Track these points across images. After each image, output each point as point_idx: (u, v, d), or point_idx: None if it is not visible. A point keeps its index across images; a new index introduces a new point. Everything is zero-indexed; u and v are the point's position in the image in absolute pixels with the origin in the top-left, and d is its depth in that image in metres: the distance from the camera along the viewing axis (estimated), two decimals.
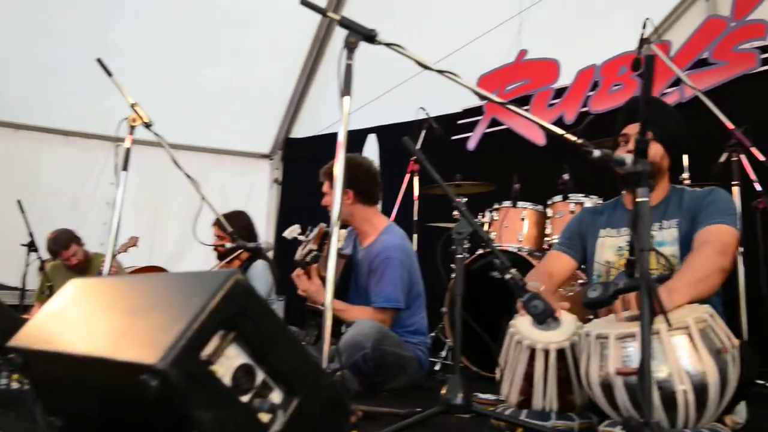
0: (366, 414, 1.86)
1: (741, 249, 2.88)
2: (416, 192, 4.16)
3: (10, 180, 5.30)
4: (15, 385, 2.05)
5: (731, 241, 1.97)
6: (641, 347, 1.31)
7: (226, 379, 1.12)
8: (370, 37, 1.79)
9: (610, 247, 2.22)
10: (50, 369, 1.34)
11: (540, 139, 4.61)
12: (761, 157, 2.79)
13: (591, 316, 2.34)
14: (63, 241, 4.29)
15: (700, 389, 1.55)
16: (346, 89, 1.78)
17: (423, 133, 4.14)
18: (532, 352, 1.81)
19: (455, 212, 3.81)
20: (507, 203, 3.54)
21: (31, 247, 4.24)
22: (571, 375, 1.81)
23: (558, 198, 3.40)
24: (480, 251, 3.47)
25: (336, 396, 1.26)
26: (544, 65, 4.77)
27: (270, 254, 3.66)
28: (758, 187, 2.91)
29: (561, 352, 1.79)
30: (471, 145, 5.05)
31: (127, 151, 2.64)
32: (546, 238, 3.42)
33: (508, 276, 1.72)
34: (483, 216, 3.67)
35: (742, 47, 3.87)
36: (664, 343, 1.56)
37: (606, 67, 4.47)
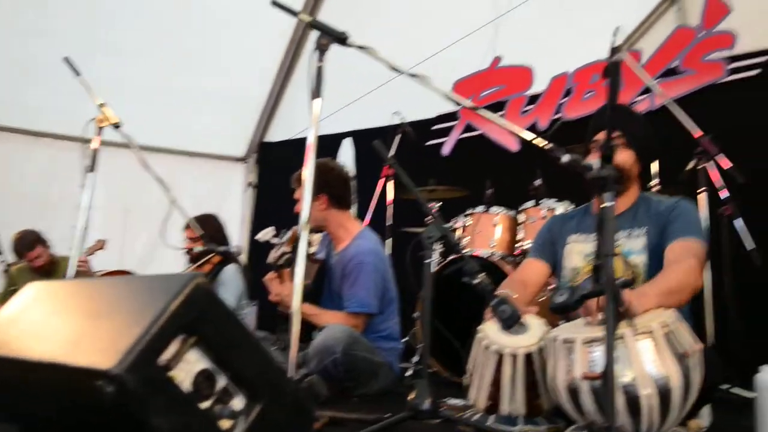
0: (333, 420, 1.85)
1: (707, 255, 2.92)
2: (390, 197, 4.15)
3: None
4: None
5: (702, 258, 2.03)
6: (605, 352, 1.31)
7: (186, 384, 1.10)
8: (342, 39, 1.78)
9: (579, 252, 2.24)
10: (6, 374, 1.30)
11: (513, 145, 4.65)
12: (727, 165, 2.84)
13: (561, 321, 2.35)
14: (28, 241, 4.20)
15: (664, 393, 1.56)
16: (316, 92, 1.78)
17: (397, 138, 4.15)
18: (500, 357, 1.81)
19: (429, 217, 3.81)
20: (480, 208, 3.55)
21: None
22: (538, 380, 1.81)
23: (530, 203, 3.43)
24: (453, 256, 3.47)
25: (300, 402, 1.24)
26: (519, 72, 4.81)
27: (241, 258, 3.62)
28: (724, 194, 2.96)
29: (528, 357, 1.80)
30: (445, 150, 5.07)
31: (95, 152, 2.59)
32: (518, 244, 3.44)
33: (476, 281, 1.73)
34: (456, 221, 3.68)
35: (710, 57, 3.95)
36: (629, 348, 1.58)
37: (579, 74, 4.52)
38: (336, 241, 2.95)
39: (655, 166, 3.44)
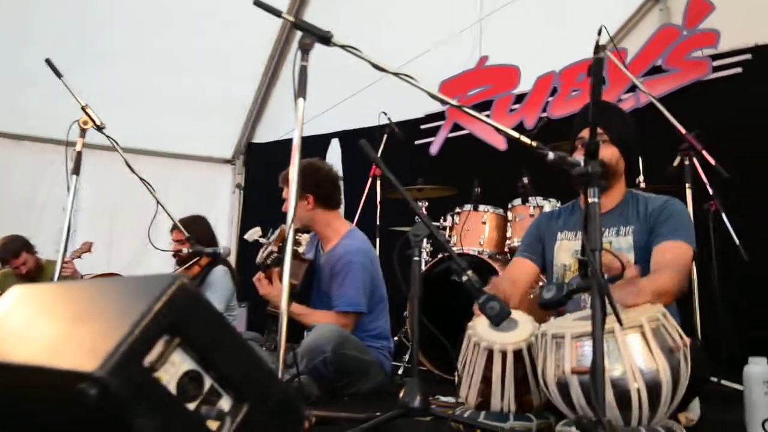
0: (323, 419, 1.83)
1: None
2: (379, 196, 4.15)
3: None
4: None
5: (690, 261, 2.06)
6: (594, 346, 1.32)
7: (171, 386, 1.09)
8: (325, 38, 1.77)
9: (567, 250, 2.25)
10: None
11: (501, 144, 4.66)
12: (712, 161, 2.86)
13: (552, 318, 2.36)
14: (13, 249, 4.16)
15: (653, 387, 1.57)
16: (300, 91, 1.77)
17: (385, 137, 4.15)
18: (490, 353, 1.81)
19: (417, 216, 3.82)
20: (468, 207, 3.56)
21: None
22: (528, 375, 1.81)
23: (518, 201, 3.44)
24: (442, 254, 3.48)
25: (287, 402, 1.23)
26: (505, 71, 4.82)
27: (230, 259, 3.60)
28: (710, 190, 2.98)
29: (518, 353, 1.80)
30: (433, 149, 5.07)
31: (78, 154, 2.56)
32: (507, 241, 3.45)
33: (464, 278, 1.72)
34: (445, 220, 3.68)
35: (694, 55, 3.98)
36: (619, 342, 1.58)
37: (564, 73, 4.54)
38: (324, 241, 2.94)
39: (641, 163, 3.47)
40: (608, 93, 4.25)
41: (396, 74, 1.85)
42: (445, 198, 4.00)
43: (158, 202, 2.64)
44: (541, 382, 1.72)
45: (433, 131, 5.12)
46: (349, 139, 5.36)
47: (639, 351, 1.58)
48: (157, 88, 5.29)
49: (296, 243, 2.86)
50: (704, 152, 2.89)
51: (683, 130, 2.92)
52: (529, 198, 3.38)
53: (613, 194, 2.21)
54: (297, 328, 2.71)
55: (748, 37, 3.90)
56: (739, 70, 3.82)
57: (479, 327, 1.87)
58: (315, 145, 5.33)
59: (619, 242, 2.15)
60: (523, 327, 1.86)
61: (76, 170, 2.54)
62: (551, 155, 1.61)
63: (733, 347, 2.78)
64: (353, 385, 2.60)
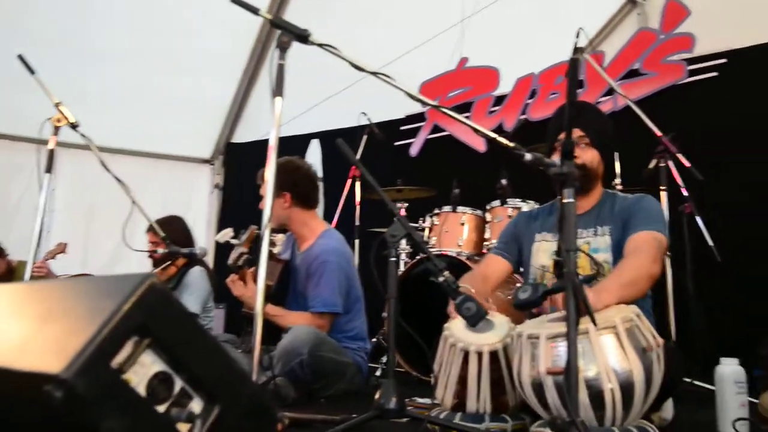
0: (298, 421, 1.82)
1: (668, 252, 2.97)
2: (358, 197, 4.14)
3: None
4: None
5: (661, 248, 2.04)
6: (568, 346, 1.32)
7: (141, 388, 1.06)
8: (303, 37, 1.76)
9: (546, 251, 2.26)
10: None
11: (481, 146, 4.68)
12: (687, 163, 2.90)
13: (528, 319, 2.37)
14: None
15: (627, 387, 1.58)
16: (278, 90, 1.75)
17: (365, 138, 4.15)
18: (466, 354, 1.81)
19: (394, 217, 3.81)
20: (447, 208, 3.56)
21: None
22: (504, 376, 1.81)
23: (496, 203, 3.45)
24: (421, 255, 3.48)
25: (260, 403, 1.22)
26: (485, 73, 4.85)
27: (206, 260, 3.56)
28: (685, 192, 3.02)
29: (494, 354, 1.80)
30: (413, 150, 5.08)
31: (51, 152, 2.52)
32: (485, 242, 3.46)
33: (441, 279, 1.72)
34: (424, 221, 3.68)
35: (671, 59, 4.03)
36: (593, 343, 1.59)
37: (544, 75, 4.58)
38: (300, 241, 2.92)
39: (618, 166, 3.50)
40: (586, 96, 4.29)
41: (374, 74, 1.84)
42: (424, 199, 4.01)
43: (133, 202, 2.60)
44: (516, 383, 1.73)
45: (414, 132, 5.13)
46: (329, 139, 5.34)
47: (613, 351, 1.59)
48: (136, 88, 5.24)
49: (271, 243, 2.83)
50: (679, 155, 2.93)
51: (659, 133, 2.95)
52: (508, 199, 3.39)
53: (592, 196, 2.23)
54: (273, 330, 2.69)
55: (724, 41, 3.96)
56: (714, 74, 3.88)
57: (455, 328, 1.88)
58: (295, 146, 5.30)
59: (597, 242, 2.16)
60: (500, 328, 1.86)
61: (49, 169, 2.49)
62: (528, 156, 1.62)
63: (706, 348, 2.82)
64: (330, 386, 2.58)
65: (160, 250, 2.84)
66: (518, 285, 3.07)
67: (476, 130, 1.83)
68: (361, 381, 2.79)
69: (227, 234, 2.73)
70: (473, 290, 2.05)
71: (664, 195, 3.03)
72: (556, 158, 2.02)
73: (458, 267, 3.27)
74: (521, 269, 2.42)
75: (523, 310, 1.69)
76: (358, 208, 4.12)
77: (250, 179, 3.15)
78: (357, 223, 4.08)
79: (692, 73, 3.95)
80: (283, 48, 1.75)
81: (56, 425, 1.10)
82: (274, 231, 2.90)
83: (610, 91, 4.10)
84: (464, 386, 1.82)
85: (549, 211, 2.35)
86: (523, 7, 4.97)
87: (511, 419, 1.82)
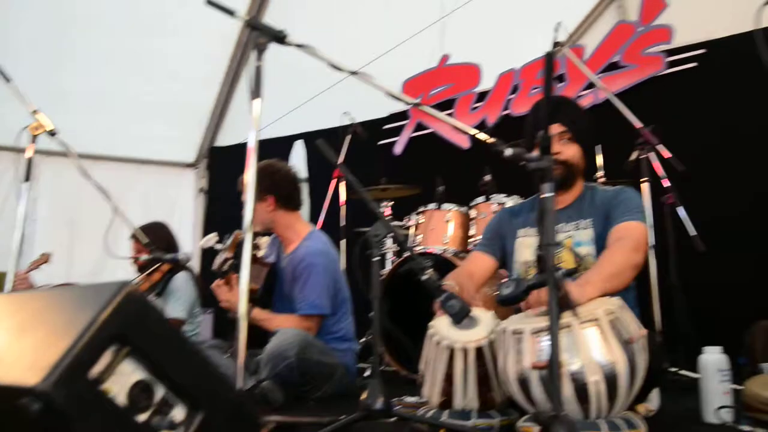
0: (285, 425, 1.81)
1: (652, 243, 2.99)
2: (343, 197, 4.14)
3: None
4: None
5: (643, 237, 2.05)
6: (551, 340, 1.32)
7: (121, 397, 1.06)
8: (280, 38, 1.75)
9: (529, 246, 2.26)
10: None
11: (464, 143, 4.69)
12: (668, 155, 2.92)
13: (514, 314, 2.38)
14: None
15: (611, 379, 1.59)
16: (256, 92, 1.74)
17: (348, 138, 4.14)
18: (451, 352, 1.81)
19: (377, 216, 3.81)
20: (431, 206, 3.56)
21: None
22: (490, 373, 1.82)
23: (480, 199, 3.46)
24: (406, 254, 3.47)
25: (244, 409, 1.21)
26: (466, 69, 4.85)
27: (191, 265, 3.53)
28: (666, 183, 3.04)
29: (479, 351, 1.80)
30: (397, 149, 5.08)
31: (29, 161, 2.48)
32: (470, 239, 3.46)
33: (424, 277, 1.72)
34: (409, 219, 3.68)
35: (650, 51, 4.06)
36: (576, 336, 1.60)
37: (525, 70, 4.59)
38: (285, 243, 2.91)
39: (600, 158, 3.53)
40: (568, 90, 4.31)
41: (353, 73, 1.84)
42: (409, 197, 4.01)
43: (115, 209, 2.57)
44: (502, 379, 1.73)
45: (397, 131, 5.13)
46: (313, 140, 5.32)
47: (597, 344, 1.60)
48: (116, 93, 5.19)
49: (255, 247, 2.82)
50: (660, 146, 2.95)
51: (639, 125, 2.97)
52: (492, 195, 3.40)
53: (573, 190, 2.24)
54: (261, 334, 2.68)
55: (701, 32, 3.99)
56: (694, 64, 3.91)
57: (441, 326, 1.88)
58: (279, 147, 5.29)
59: (580, 236, 2.17)
60: (484, 324, 1.87)
61: (27, 177, 2.46)
62: (508, 152, 1.62)
63: (691, 337, 2.84)
64: (319, 388, 2.57)
65: (144, 257, 2.81)
66: (504, 281, 3.10)
67: (456, 127, 1.83)
68: (351, 382, 2.78)
69: (212, 239, 2.72)
70: (458, 287, 2.05)
71: (646, 186, 3.05)
72: (536, 152, 2.04)
73: (444, 264, 3.27)
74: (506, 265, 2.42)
75: (506, 305, 1.69)
76: (343, 208, 4.11)
77: (234, 183, 3.14)
78: (342, 223, 4.07)
79: (671, 64, 3.97)
80: (260, 49, 1.73)
81: None
82: (258, 234, 2.88)
83: (591, 85, 4.12)
84: (451, 384, 1.83)
85: (531, 207, 2.35)
86: (503, 3, 4.99)
87: (498, 415, 1.83)
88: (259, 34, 1.76)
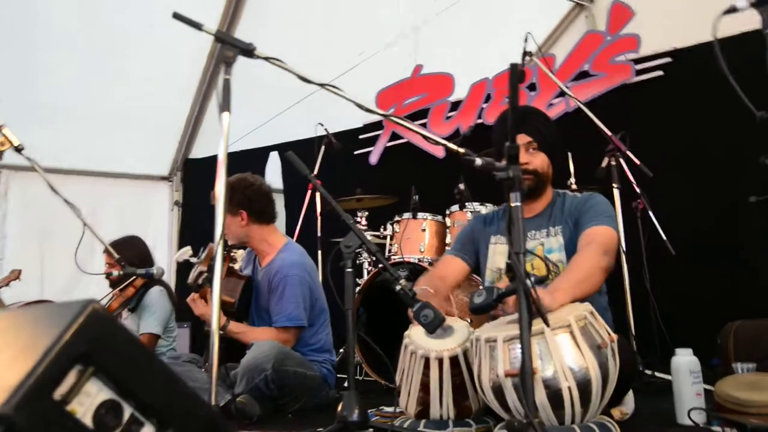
0: None
1: (624, 248, 3.04)
2: (319, 208, 4.13)
3: None
4: None
5: (612, 241, 2.08)
6: (522, 348, 1.33)
7: (87, 418, 1.03)
8: (248, 51, 1.75)
9: (502, 253, 2.28)
10: None
11: (439, 152, 4.71)
12: (637, 161, 2.96)
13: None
14: None
15: (584, 385, 1.60)
16: (224, 105, 1.73)
17: (323, 149, 4.15)
18: (427, 361, 1.81)
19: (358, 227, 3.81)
20: (407, 215, 3.57)
21: None
22: (466, 381, 1.82)
23: (455, 207, 3.47)
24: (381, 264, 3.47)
25: (216, 424, 1.20)
26: (440, 79, 4.89)
27: (165, 279, 3.49)
28: (637, 189, 3.09)
29: (454, 359, 1.81)
30: (373, 159, 5.09)
31: None
32: (447, 247, 3.47)
33: (398, 287, 1.72)
34: (385, 229, 3.69)
35: (618, 59, 4.13)
36: (549, 343, 1.61)
37: (497, 80, 4.64)
38: (260, 256, 2.90)
39: (572, 165, 3.58)
40: (539, 98, 4.37)
41: (322, 86, 1.85)
42: (385, 207, 4.02)
43: (84, 224, 2.54)
44: (477, 387, 1.74)
45: (373, 140, 5.14)
46: (287, 151, 5.31)
47: (569, 350, 1.62)
48: (88, 106, 5.14)
49: (232, 260, 2.80)
50: (629, 153, 2.99)
51: (608, 132, 3.02)
52: (466, 204, 3.42)
53: (543, 198, 2.26)
54: (238, 347, 2.66)
55: (667, 41, 4.07)
56: (660, 73, 3.99)
57: (415, 335, 1.88)
58: (254, 159, 5.27)
59: (550, 243, 2.20)
60: (459, 333, 1.87)
61: None
62: (479, 161, 1.63)
63: (665, 340, 2.88)
64: (297, 401, 2.55)
65: (116, 272, 2.77)
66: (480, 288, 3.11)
67: (426, 138, 1.84)
68: (329, 393, 2.77)
69: (186, 253, 2.69)
70: (432, 290, 2.06)
71: (617, 192, 3.09)
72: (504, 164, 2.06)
73: (421, 273, 3.27)
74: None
75: (478, 314, 1.70)
76: (319, 219, 4.11)
77: (209, 195, 3.12)
78: (319, 234, 4.06)
79: (639, 72, 4.04)
80: (227, 63, 1.73)
81: None
82: (234, 247, 2.86)
83: (563, 93, 4.17)
84: (427, 393, 1.83)
85: (503, 214, 2.37)
86: (474, 14, 5.05)
87: (474, 423, 1.83)
88: (227, 48, 1.75)
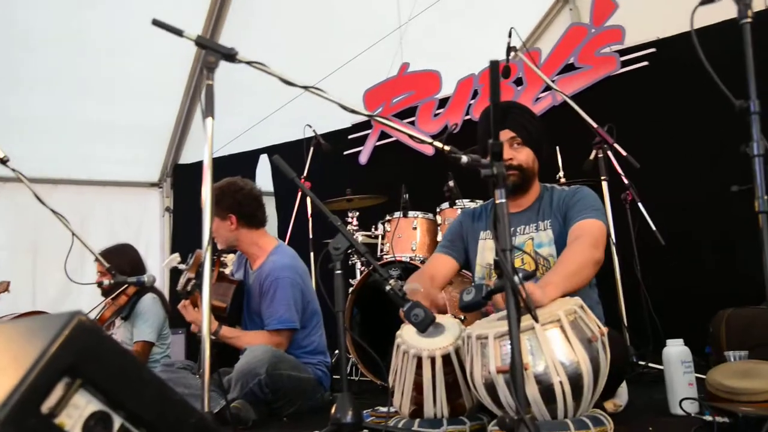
0: None
1: (614, 240, 3.05)
2: (310, 210, 4.12)
3: None
4: None
5: (601, 234, 2.08)
6: (511, 344, 1.34)
7: (76, 430, 1.03)
8: (230, 56, 1.74)
9: (491, 249, 2.28)
10: None
11: (429, 150, 4.71)
12: (624, 152, 2.97)
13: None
14: None
15: (575, 379, 1.61)
16: (208, 111, 1.73)
17: (312, 150, 4.15)
18: (419, 360, 1.81)
19: (348, 227, 3.81)
20: (398, 214, 3.57)
21: None
22: (458, 379, 1.83)
23: (446, 205, 3.48)
24: (377, 262, 3.47)
25: (206, 430, 1.20)
26: (426, 77, 4.89)
27: (158, 286, 3.48)
28: (625, 180, 3.10)
29: (447, 358, 1.81)
30: (362, 159, 5.09)
31: None
32: (438, 245, 3.48)
33: (387, 288, 1.72)
34: (376, 228, 3.69)
35: (603, 51, 4.14)
36: (539, 338, 1.61)
37: (484, 75, 4.64)
38: (251, 260, 2.89)
39: (560, 159, 3.58)
40: (526, 93, 4.38)
41: (306, 88, 1.84)
42: (375, 206, 4.02)
43: (73, 234, 2.53)
44: (470, 384, 1.74)
45: (362, 140, 5.14)
46: (278, 153, 5.28)
47: (559, 345, 1.62)
48: (76, 115, 5.12)
49: (222, 264, 2.80)
50: (615, 144, 3.00)
51: (595, 125, 3.03)
52: (456, 201, 3.42)
53: (531, 193, 2.27)
54: (231, 352, 2.65)
55: (651, 31, 4.09)
56: (645, 63, 4.00)
57: (407, 335, 1.88)
58: (244, 162, 5.25)
59: (540, 237, 2.20)
60: (450, 331, 1.87)
61: None
62: (464, 158, 1.64)
63: (657, 330, 2.89)
64: (292, 404, 2.55)
65: (106, 281, 2.76)
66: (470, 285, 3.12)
67: (412, 137, 1.84)
68: (324, 395, 2.77)
69: (174, 260, 2.68)
70: (422, 288, 2.06)
71: (605, 185, 3.10)
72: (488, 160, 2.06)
73: (413, 271, 3.28)
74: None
75: (468, 311, 1.71)
76: (310, 221, 4.10)
77: (199, 200, 3.11)
78: (310, 236, 4.06)
79: (624, 63, 4.06)
80: (210, 68, 1.72)
81: None
82: (223, 251, 2.86)
83: (549, 87, 4.18)
84: (420, 392, 1.83)
85: (491, 209, 2.37)
86: (458, 10, 5.05)
87: (469, 420, 1.83)
88: (209, 53, 1.75)
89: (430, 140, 1.80)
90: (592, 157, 3.15)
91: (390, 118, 4.73)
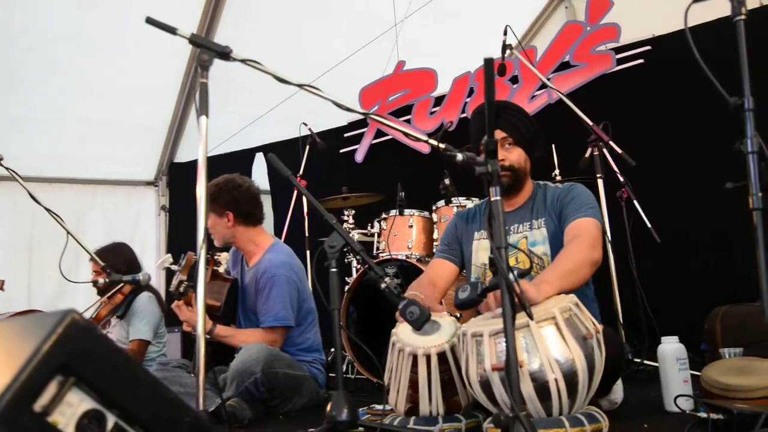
0: None
1: (609, 238, 3.05)
2: (306, 208, 4.12)
3: None
4: None
5: (598, 233, 2.08)
6: (506, 341, 1.34)
7: (70, 429, 1.03)
8: (224, 54, 1.74)
9: (486, 249, 2.28)
10: None
11: (424, 148, 4.71)
12: (619, 150, 2.98)
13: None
14: None
15: (570, 376, 1.61)
16: (202, 109, 1.72)
17: (307, 148, 4.14)
18: (414, 358, 1.81)
19: (344, 225, 3.81)
20: (394, 212, 3.57)
21: None
22: (454, 376, 1.83)
23: (441, 203, 3.48)
24: (373, 261, 3.47)
25: (200, 428, 1.19)
26: (422, 75, 4.89)
27: (153, 284, 3.47)
28: (621, 178, 3.10)
29: (442, 355, 1.81)
30: (359, 157, 5.09)
31: None
32: (435, 243, 3.48)
33: (383, 285, 1.72)
34: (372, 227, 3.69)
35: (599, 49, 4.14)
36: (534, 335, 1.62)
37: (479, 73, 4.64)
38: (247, 257, 2.89)
39: (555, 157, 3.59)
40: (522, 91, 4.38)
41: (301, 86, 1.84)
42: (372, 205, 4.02)
43: (68, 233, 2.52)
44: (465, 382, 1.74)
45: (358, 138, 5.14)
46: (273, 152, 5.27)
47: (554, 342, 1.62)
48: (71, 114, 5.11)
49: (216, 263, 2.79)
50: (611, 142, 3.01)
51: (590, 123, 3.03)
52: (452, 199, 3.42)
53: (524, 191, 2.27)
54: (226, 351, 2.65)
55: (646, 29, 4.09)
56: (640, 61, 4.00)
57: (402, 333, 1.88)
58: (240, 161, 5.24)
59: (534, 236, 2.20)
60: (446, 328, 1.88)
61: None
62: (460, 156, 1.64)
63: (653, 328, 2.90)
64: (288, 402, 2.55)
65: (101, 280, 2.75)
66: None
67: (407, 134, 1.84)
68: (320, 393, 2.77)
69: (166, 261, 2.68)
70: (422, 296, 2.06)
71: (600, 182, 3.10)
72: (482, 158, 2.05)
73: (409, 269, 3.29)
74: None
75: (463, 309, 1.71)
76: (306, 219, 4.10)
77: (195, 198, 3.11)
78: (306, 234, 4.05)
79: (620, 61, 4.06)
80: (204, 66, 1.72)
81: None
82: (217, 249, 2.86)
83: (545, 85, 4.18)
84: (416, 390, 1.83)
85: (485, 209, 2.37)
86: (454, 8, 5.05)
87: (464, 418, 1.83)
88: (203, 51, 1.74)
89: (425, 138, 1.80)
90: (587, 154, 3.15)
91: (386, 116, 4.73)
